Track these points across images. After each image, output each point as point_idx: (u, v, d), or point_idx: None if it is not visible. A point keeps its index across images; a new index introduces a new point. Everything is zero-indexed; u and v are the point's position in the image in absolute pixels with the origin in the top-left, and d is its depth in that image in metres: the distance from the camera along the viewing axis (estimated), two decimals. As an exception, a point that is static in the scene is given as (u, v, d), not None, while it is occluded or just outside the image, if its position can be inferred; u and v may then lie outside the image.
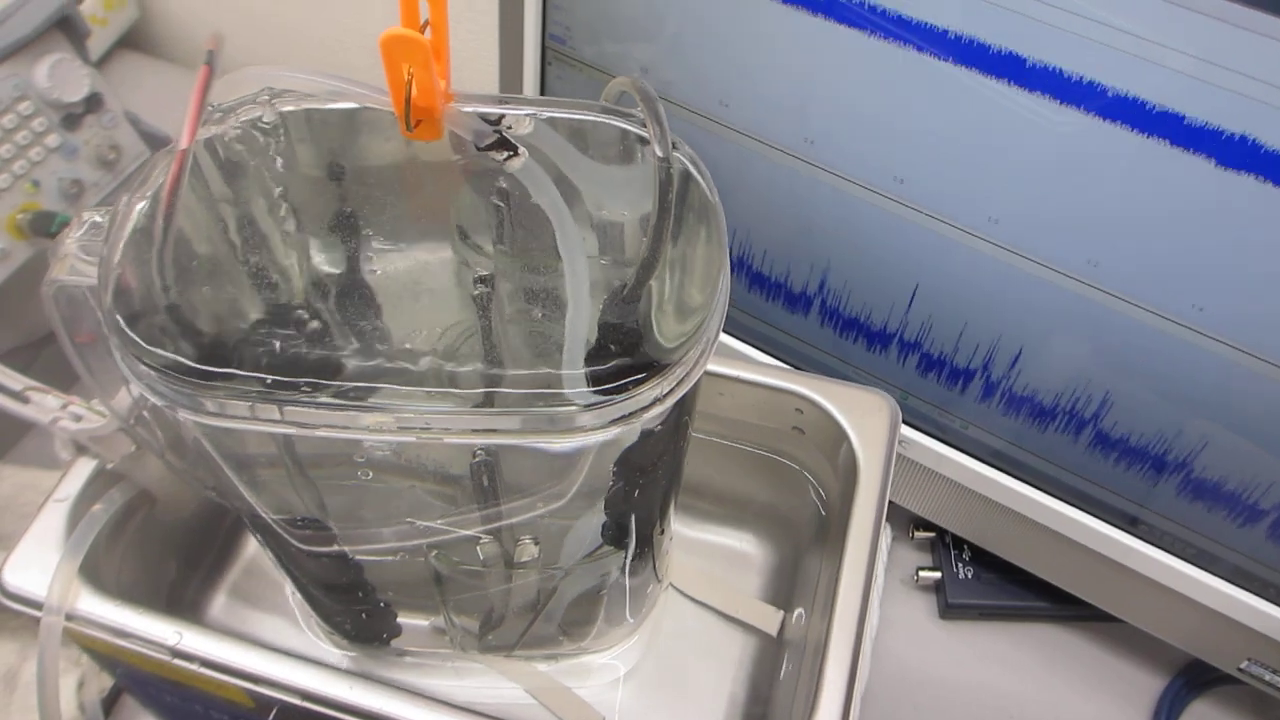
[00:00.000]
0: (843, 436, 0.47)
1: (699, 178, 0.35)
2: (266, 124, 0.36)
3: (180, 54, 0.98)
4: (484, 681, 0.47)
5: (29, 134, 0.65)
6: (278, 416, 0.30)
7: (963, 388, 0.60)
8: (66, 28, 0.65)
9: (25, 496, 0.61)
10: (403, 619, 0.47)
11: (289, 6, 0.91)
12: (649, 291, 0.31)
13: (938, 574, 0.67)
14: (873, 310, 0.56)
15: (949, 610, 0.66)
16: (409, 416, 0.30)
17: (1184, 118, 0.43)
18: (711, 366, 0.45)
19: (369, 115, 0.37)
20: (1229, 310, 0.47)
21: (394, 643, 0.48)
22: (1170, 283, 0.47)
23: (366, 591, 0.44)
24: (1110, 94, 0.44)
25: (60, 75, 0.67)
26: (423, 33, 0.32)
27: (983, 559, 0.68)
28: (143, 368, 0.30)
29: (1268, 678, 0.58)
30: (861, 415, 0.47)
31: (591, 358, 0.32)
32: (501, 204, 0.37)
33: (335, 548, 0.42)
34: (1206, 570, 0.55)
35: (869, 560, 0.42)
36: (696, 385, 0.35)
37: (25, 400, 0.45)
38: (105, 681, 0.53)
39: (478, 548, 0.39)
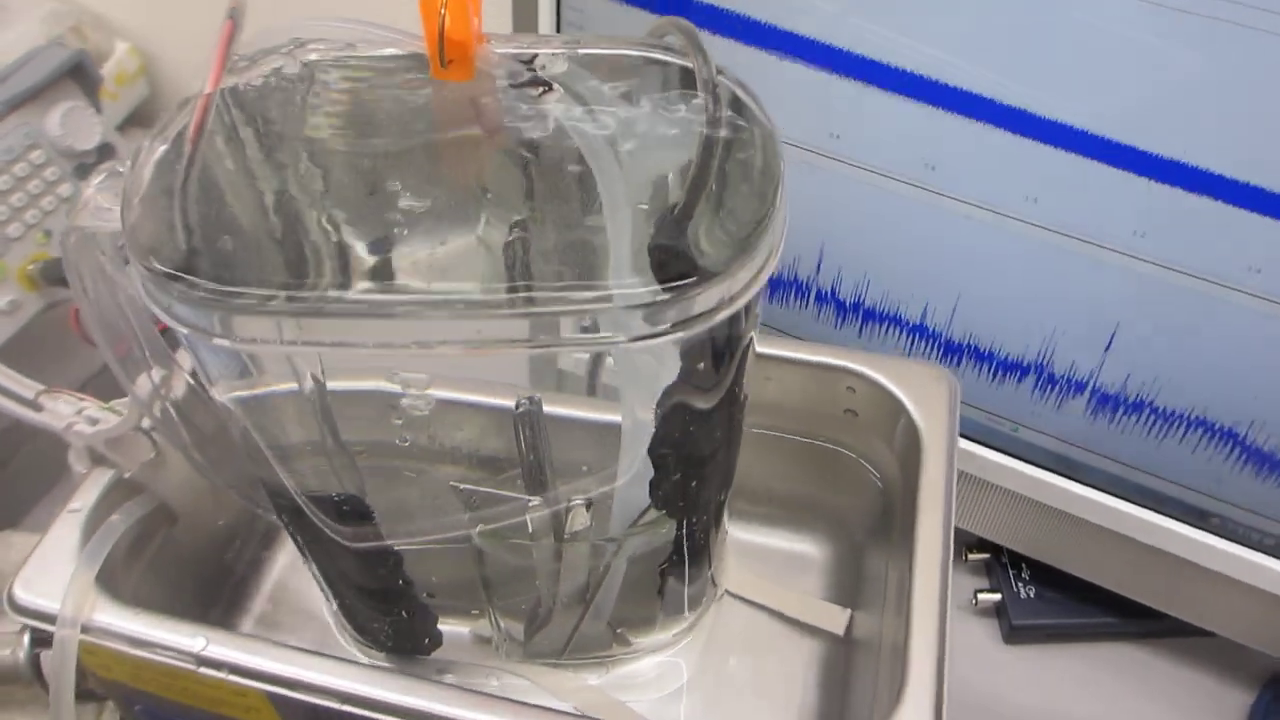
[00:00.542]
0: (900, 411, 0.44)
1: (749, 100, 0.33)
2: (291, 75, 0.35)
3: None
4: (532, 699, 0.43)
5: (41, 183, 0.65)
6: (300, 332, 0.28)
7: (1042, 387, 0.58)
8: (79, 76, 0.65)
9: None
10: (444, 625, 0.44)
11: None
12: (700, 216, 0.29)
13: (997, 596, 0.64)
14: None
15: (1014, 633, 0.63)
16: (446, 319, 0.27)
17: None
18: (761, 348, 0.43)
19: (397, 66, 0.36)
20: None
21: (435, 654, 0.44)
22: None
23: (407, 588, 0.41)
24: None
25: (72, 124, 0.66)
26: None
27: (1044, 577, 0.64)
28: (164, 294, 0.28)
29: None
30: (919, 387, 0.44)
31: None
32: (530, 156, 0.35)
33: (373, 534, 0.39)
34: (1291, 561, 0.52)
35: (944, 540, 0.39)
36: (753, 315, 0.33)
37: (39, 408, 0.43)
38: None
39: (526, 517, 0.36)
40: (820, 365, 0.46)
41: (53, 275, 0.64)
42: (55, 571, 0.40)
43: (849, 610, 0.46)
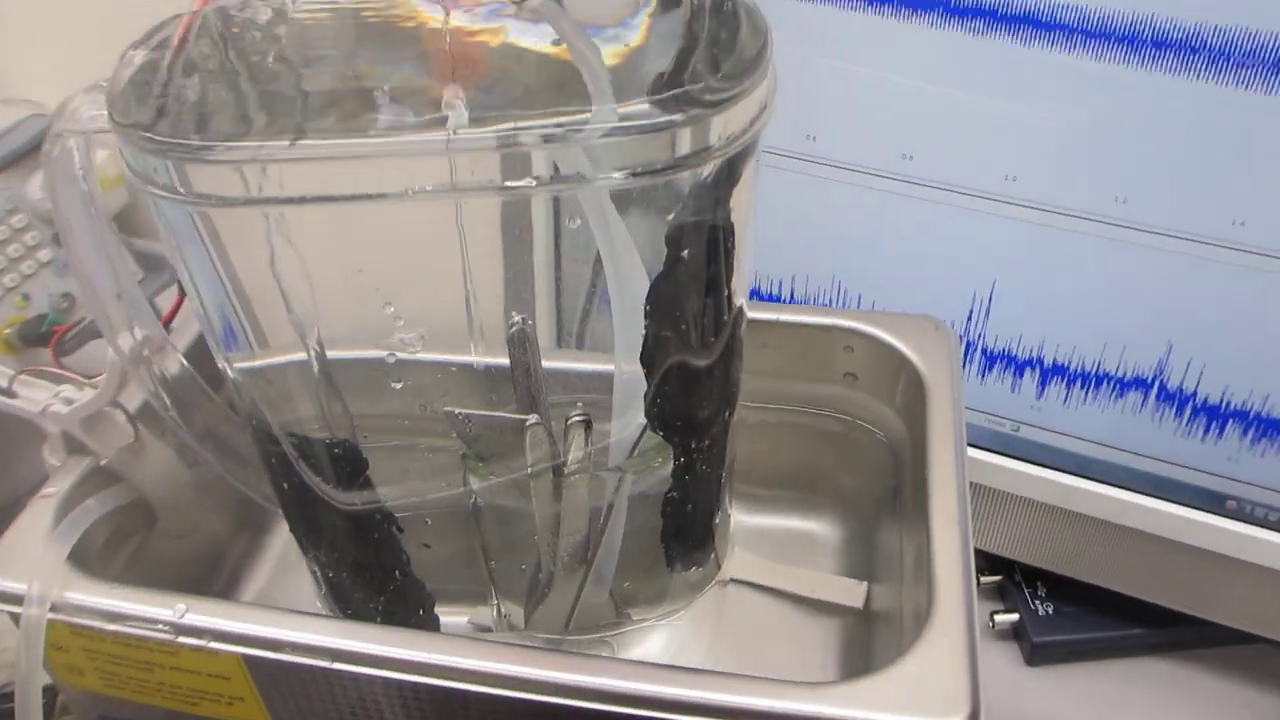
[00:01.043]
0: (902, 364, 0.43)
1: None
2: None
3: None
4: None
5: (21, 247, 0.65)
6: (264, 179, 0.27)
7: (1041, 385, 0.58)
8: (63, 142, 0.65)
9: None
10: (442, 615, 0.41)
11: None
12: (696, 59, 0.29)
13: (1015, 616, 0.61)
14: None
15: (1036, 653, 0.60)
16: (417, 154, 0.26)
17: None
18: (754, 314, 0.43)
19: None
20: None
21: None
22: None
23: (401, 561, 0.39)
24: None
25: (55, 190, 0.66)
26: None
27: (1062, 593, 0.62)
28: (133, 148, 0.27)
29: None
30: (918, 338, 0.44)
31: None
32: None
33: (368, 491, 0.37)
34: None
35: (959, 490, 0.38)
36: (744, 207, 0.33)
37: (12, 395, 0.41)
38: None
39: (525, 440, 0.35)
40: (817, 327, 0.45)
41: (30, 337, 0.63)
42: (27, 555, 0.38)
43: (865, 583, 0.44)
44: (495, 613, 0.42)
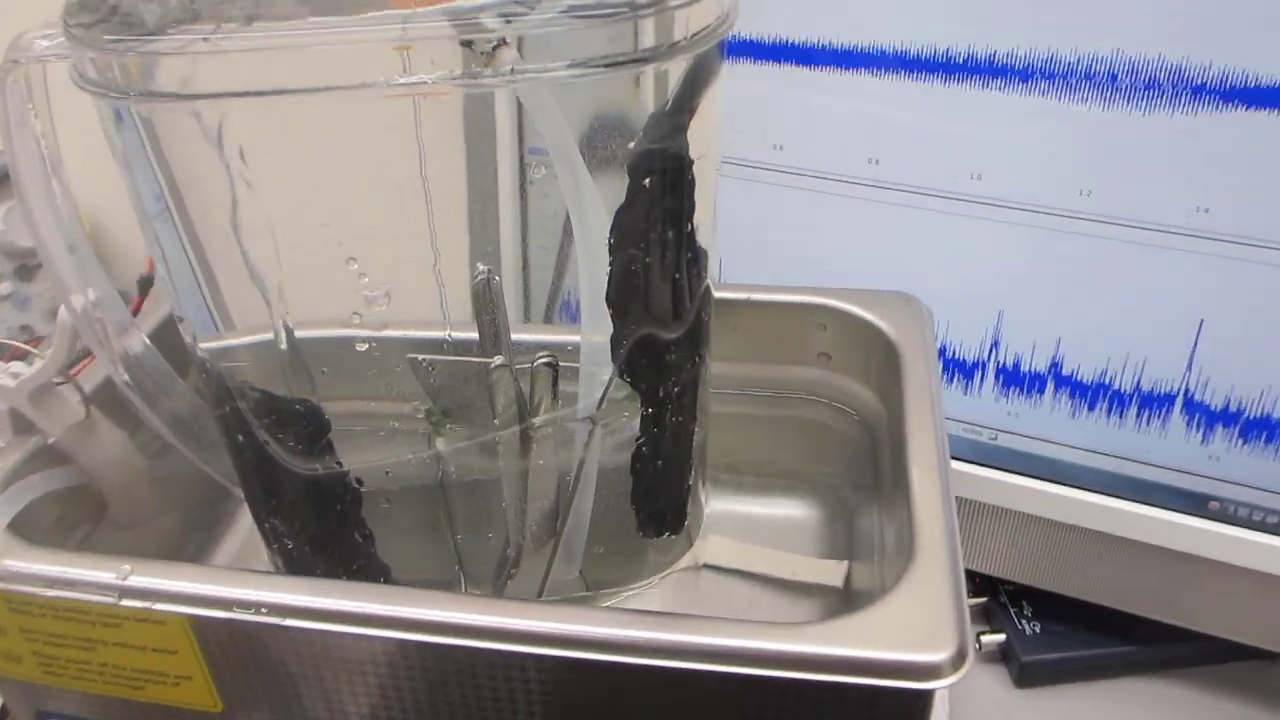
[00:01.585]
0: (876, 338, 0.43)
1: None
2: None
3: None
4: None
5: (-21, 281, 0.64)
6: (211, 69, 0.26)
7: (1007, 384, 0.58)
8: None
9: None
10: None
11: None
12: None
13: (1001, 636, 0.60)
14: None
15: (1025, 674, 0.58)
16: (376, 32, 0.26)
17: None
18: (723, 294, 0.42)
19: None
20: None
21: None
22: None
23: (364, 545, 0.37)
24: None
25: (16, 223, 0.66)
26: None
27: (1049, 611, 0.61)
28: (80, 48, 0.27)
29: None
30: (892, 311, 0.43)
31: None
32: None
33: (329, 454, 0.36)
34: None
35: (939, 460, 0.37)
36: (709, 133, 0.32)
37: (-43, 372, 0.40)
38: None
39: (490, 383, 0.34)
40: (789, 305, 0.44)
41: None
42: (-36, 530, 0.36)
43: (846, 562, 0.43)
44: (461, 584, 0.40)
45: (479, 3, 0.27)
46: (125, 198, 0.37)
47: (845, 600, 0.42)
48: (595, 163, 0.34)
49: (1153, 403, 0.56)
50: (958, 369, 0.58)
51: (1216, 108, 0.47)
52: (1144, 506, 0.56)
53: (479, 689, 0.32)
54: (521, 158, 0.38)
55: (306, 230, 0.38)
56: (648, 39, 0.28)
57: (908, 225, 0.56)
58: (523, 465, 0.36)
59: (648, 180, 0.31)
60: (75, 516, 0.41)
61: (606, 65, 0.28)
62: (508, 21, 0.27)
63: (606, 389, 0.35)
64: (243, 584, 0.33)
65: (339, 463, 0.36)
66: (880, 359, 0.43)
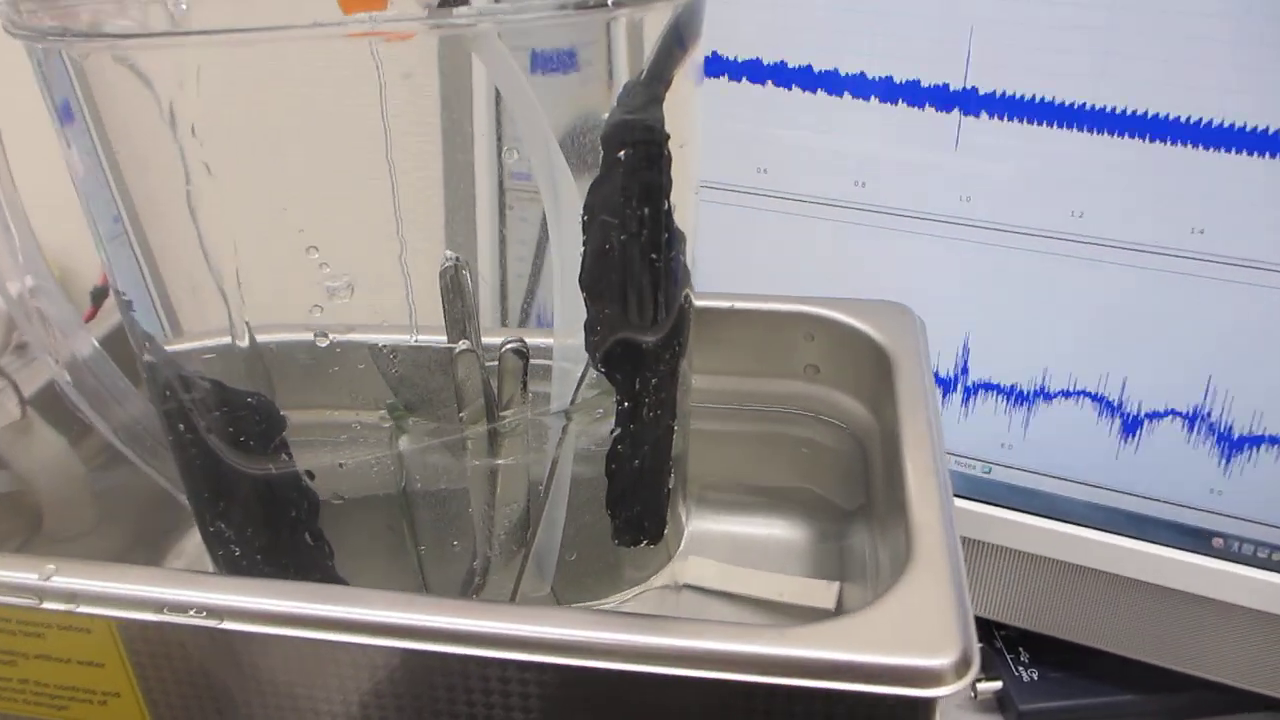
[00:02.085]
0: (868, 349, 0.41)
1: None
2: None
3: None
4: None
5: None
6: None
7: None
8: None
9: None
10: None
11: None
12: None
13: (998, 683, 0.57)
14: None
15: (1024, 721, 0.55)
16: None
17: None
18: (705, 303, 0.41)
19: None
20: None
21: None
22: None
23: (319, 542, 0.34)
24: None
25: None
26: None
27: (1046, 657, 0.58)
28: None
29: None
30: (883, 320, 0.41)
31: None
32: None
33: (283, 451, 0.33)
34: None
35: (937, 468, 0.35)
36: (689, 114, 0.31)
37: (-112, 368, 0.37)
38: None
39: (456, 370, 0.31)
40: (774, 315, 0.42)
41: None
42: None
43: (837, 583, 0.40)
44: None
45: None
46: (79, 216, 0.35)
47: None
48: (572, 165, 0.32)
49: (1151, 433, 0.54)
50: (948, 398, 0.56)
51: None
52: (1143, 543, 0.54)
53: (446, 699, 0.29)
54: (499, 148, 0.36)
55: (264, 216, 0.35)
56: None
57: (897, 249, 0.55)
58: (491, 465, 0.33)
59: (622, 152, 0.30)
60: (8, 527, 0.38)
61: (578, 7, 0.26)
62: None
63: (581, 379, 0.33)
64: (176, 583, 0.30)
65: (290, 457, 0.33)
66: (872, 369, 0.41)
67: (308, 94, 0.35)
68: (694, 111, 0.35)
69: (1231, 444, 0.52)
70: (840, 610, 0.39)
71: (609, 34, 0.30)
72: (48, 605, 0.30)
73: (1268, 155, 0.45)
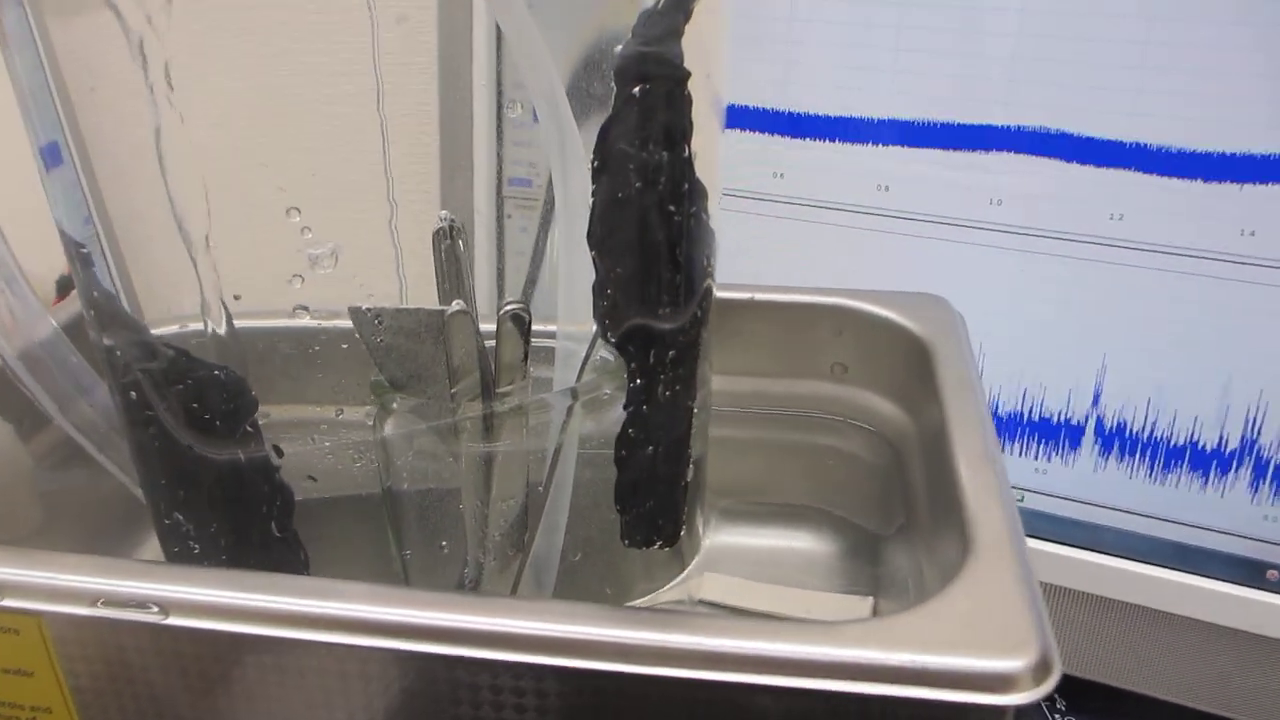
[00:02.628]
0: (903, 344, 0.37)
1: None
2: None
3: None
4: None
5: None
6: None
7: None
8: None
9: None
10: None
11: None
12: None
13: (1034, 731, 0.52)
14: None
15: (1065, 772, 0.50)
16: None
17: None
18: (722, 294, 0.37)
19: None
20: None
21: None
22: None
23: (292, 543, 0.30)
24: None
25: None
26: None
27: (1086, 704, 0.54)
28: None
29: None
30: (918, 312, 0.38)
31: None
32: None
33: (253, 432, 0.29)
34: None
35: (989, 449, 0.31)
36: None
37: None
38: None
39: (447, 334, 0.27)
40: (799, 307, 0.39)
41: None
42: None
43: (870, 598, 0.36)
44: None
45: None
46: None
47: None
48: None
49: (1198, 456, 0.50)
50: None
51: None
52: (1191, 576, 0.49)
53: (438, 708, 0.24)
54: (500, 103, 0.33)
55: (241, 172, 0.32)
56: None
57: (922, 257, 0.52)
58: (486, 453, 0.29)
59: (637, 89, 0.26)
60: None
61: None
62: None
63: (589, 352, 0.29)
64: (115, 572, 0.25)
65: (263, 450, 0.29)
66: (908, 365, 0.37)
67: (292, 39, 0.31)
68: (719, 54, 0.32)
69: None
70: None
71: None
72: (-30, 601, 0.26)
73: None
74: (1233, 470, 0.49)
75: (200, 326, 0.32)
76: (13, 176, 0.35)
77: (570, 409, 0.30)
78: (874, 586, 0.37)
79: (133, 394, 0.29)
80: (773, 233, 0.55)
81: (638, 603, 0.33)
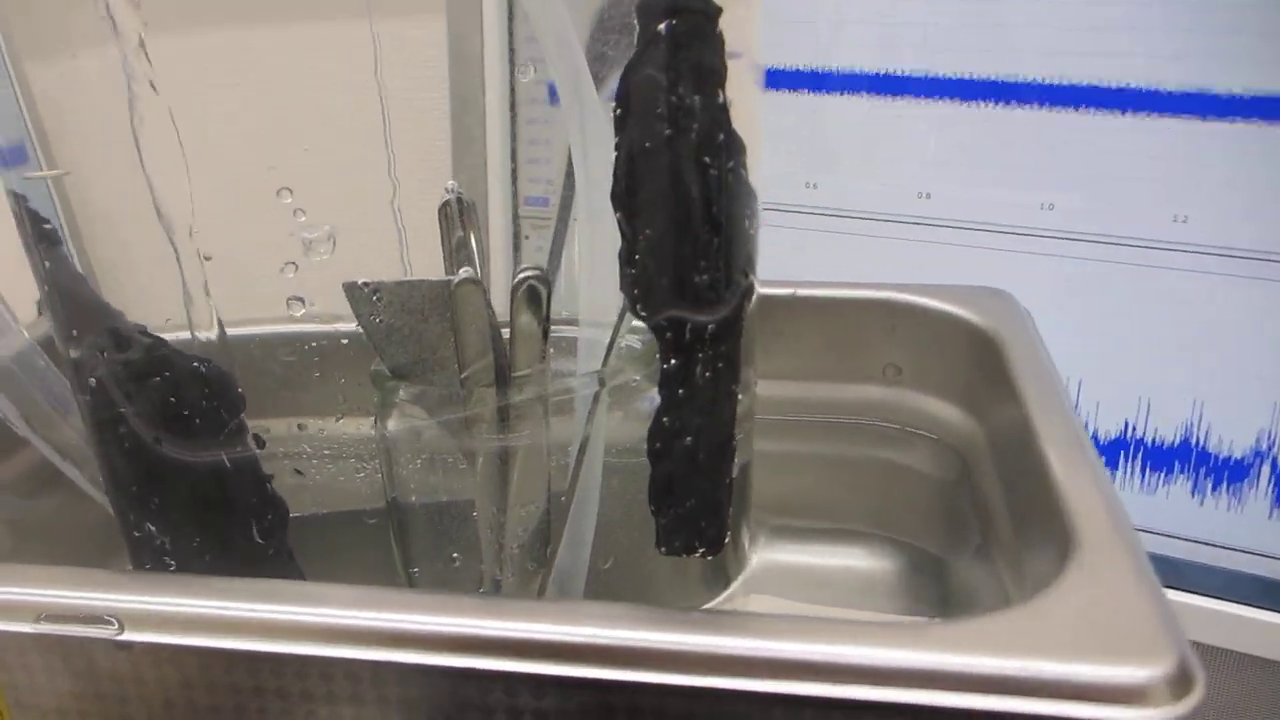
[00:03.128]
0: (965, 340, 0.33)
1: None
2: None
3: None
4: None
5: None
6: None
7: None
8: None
9: None
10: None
11: None
12: None
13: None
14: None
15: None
16: None
17: None
18: (765, 290, 0.34)
19: None
20: None
21: None
22: None
23: (288, 563, 0.26)
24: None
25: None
26: None
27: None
28: None
29: None
30: (980, 305, 0.34)
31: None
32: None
33: (237, 431, 0.26)
34: None
35: (1078, 437, 0.27)
36: None
37: None
38: None
39: (456, 320, 0.24)
40: (847, 303, 0.35)
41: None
42: None
43: (936, 620, 0.31)
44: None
45: None
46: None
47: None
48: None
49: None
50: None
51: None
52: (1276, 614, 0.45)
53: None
54: (512, 67, 0.29)
55: (226, 148, 0.29)
56: None
57: (967, 267, 0.48)
58: (501, 449, 0.26)
59: (663, 25, 0.23)
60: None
61: None
62: None
63: (613, 337, 0.25)
64: (63, 582, 0.22)
65: (250, 448, 0.25)
66: (971, 363, 0.33)
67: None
68: (754, 20, 0.29)
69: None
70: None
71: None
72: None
73: None
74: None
75: (183, 333, 0.29)
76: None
77: (597, 396, 0.26)
78: (943, 610, 0.32)
79: (98, 387, 0.25)
80: (807, 245, 0.51)
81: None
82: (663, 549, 0.26)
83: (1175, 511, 0.47)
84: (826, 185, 0.50)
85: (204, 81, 0.28)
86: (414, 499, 0.28)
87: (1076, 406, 0.47)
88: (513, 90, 0.30)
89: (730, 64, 0.25)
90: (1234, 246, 0.44)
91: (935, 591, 0.33)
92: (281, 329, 0.32)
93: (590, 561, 0.26)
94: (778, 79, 0.49)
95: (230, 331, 0.29)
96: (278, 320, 0.31)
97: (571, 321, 0.28)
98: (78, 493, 0.32)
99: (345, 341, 0.30)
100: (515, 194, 0.31)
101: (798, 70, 0.49)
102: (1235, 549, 0.46)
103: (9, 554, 0.32)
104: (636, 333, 0.28)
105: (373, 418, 0.28)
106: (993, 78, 0.45)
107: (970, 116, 0.46)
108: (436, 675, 0.20)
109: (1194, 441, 0.46)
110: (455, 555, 0.27)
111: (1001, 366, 0.31)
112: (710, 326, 0.25)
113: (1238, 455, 0.45)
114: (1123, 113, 0.44)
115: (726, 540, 0.27)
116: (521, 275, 0.24)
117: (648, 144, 0.23)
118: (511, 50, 0.29)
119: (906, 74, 0.46)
